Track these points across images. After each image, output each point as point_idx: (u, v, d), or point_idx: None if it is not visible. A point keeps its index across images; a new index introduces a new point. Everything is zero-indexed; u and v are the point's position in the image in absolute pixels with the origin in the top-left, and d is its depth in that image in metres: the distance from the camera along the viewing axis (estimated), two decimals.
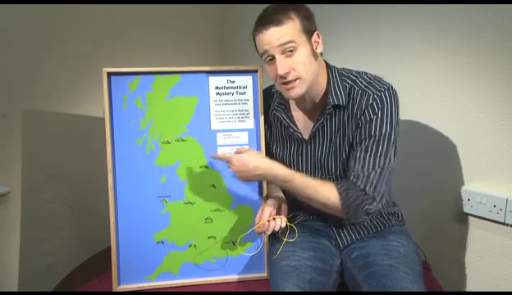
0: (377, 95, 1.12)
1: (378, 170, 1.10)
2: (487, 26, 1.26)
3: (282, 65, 1.09)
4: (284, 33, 1.07)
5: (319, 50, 1.14)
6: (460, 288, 1.44)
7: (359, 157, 1.12)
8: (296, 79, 1.10)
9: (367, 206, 1.09)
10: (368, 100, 1.12)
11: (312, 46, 1.12)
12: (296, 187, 1.13)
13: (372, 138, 1.12)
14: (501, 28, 1.23)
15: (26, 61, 1.41)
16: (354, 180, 1.11)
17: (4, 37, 1.34)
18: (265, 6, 1.13)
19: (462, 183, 1.39)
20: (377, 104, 1.12)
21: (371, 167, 1.10)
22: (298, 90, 1.12)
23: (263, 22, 1.09)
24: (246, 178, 1.18)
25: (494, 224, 1.34)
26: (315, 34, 1.13)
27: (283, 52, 1.09)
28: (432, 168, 1.41)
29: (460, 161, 1.38)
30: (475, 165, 1.36)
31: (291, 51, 1.08)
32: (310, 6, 1.14)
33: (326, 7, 1.57)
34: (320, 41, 1.14)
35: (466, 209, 1.38)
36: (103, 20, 1.60)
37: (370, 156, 1.11)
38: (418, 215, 1.48)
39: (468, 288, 1.42)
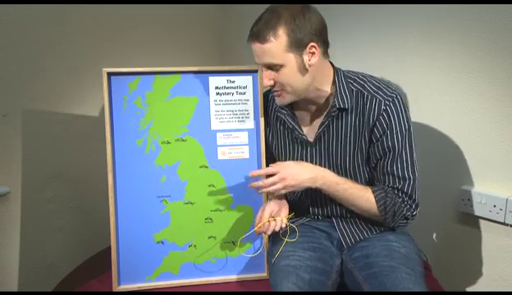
0: (389, 101, 1.12)
1: (411, 181, 1.13)
2: (487, 26, 1.26)
3: (266, 77, 1.11)
4: (266, 52, 1.06)
5: (312, 61, 1.08)
6: (461, 288, 1.44)
7: (387, 171, 1.14)
8: (281, 90, 1.12)
9: (404, 212, 1.14)
10: (379, 106, 1.12)
11: (302, 60, 1.08)
12: (342, 191, 1.14)
13: (395, 150, 1.13)
14: (501, 28, 1.23)
15: (26, 61, 1.40)
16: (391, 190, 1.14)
17: (4, 37, 1.34)
18: (265, 6, 1.11)
19: (462, 183, 1.39)
20: (392, 113, 1.12)
21: (401, 179, 1.13)
22: (282, 100, 1.15)
23: (251, 33, 1.09)
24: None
25: (494, 224, 1.34)
26: (309, 45, 1.07)
27: (268, 68, 1.10)
28: (432, 168, 1.41)
29: (460, 161, 1.38)
30: (475, 165, 1.36)
31: (276, 69, 1.09)
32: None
33: (325, 7, 1.56)
34: (317, 51, 1.08)
35: (466, 209, 1.38)
36: (103, 20, 1.60)
37: (397, 168, 1.13)
38: (419, 216, 1.48)
39: (469, 288, 1.42)
